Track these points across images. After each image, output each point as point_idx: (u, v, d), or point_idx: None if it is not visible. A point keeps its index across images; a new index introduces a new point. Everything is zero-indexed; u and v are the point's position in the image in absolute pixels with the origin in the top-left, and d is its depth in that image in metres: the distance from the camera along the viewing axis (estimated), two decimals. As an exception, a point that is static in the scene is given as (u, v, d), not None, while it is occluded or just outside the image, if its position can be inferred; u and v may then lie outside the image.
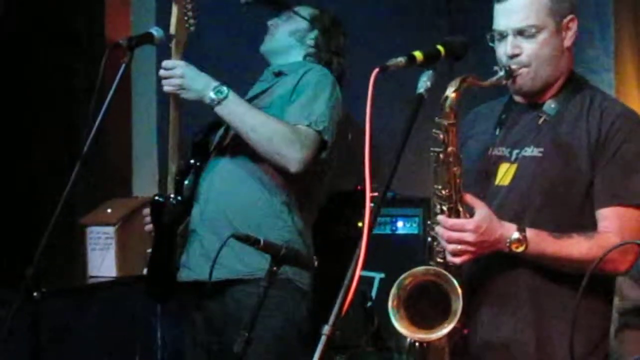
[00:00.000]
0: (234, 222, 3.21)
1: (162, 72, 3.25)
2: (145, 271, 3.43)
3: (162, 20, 4.13)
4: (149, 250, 3.39)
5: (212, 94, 3.20)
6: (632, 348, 4.13)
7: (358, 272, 2.07)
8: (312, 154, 3.28)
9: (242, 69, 3.63)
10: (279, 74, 3.50)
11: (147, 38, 3.25)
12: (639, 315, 3.83)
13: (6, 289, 3.53)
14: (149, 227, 3.42)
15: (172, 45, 3.25)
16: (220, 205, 3.32)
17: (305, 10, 3.59)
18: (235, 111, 3.25)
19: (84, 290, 4.08)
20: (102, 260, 4.03)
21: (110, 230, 4.01)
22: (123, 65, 3.10)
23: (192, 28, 3.31)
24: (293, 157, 3.24)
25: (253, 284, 3.17)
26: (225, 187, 3.35)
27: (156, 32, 3.28)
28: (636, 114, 2.86)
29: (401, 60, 2.41)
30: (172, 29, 3.26)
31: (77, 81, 4.10)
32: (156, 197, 3.37)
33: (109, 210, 4.09)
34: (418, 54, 2.45)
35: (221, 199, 3.33)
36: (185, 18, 3.27)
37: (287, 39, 3.54)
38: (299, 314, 3.29)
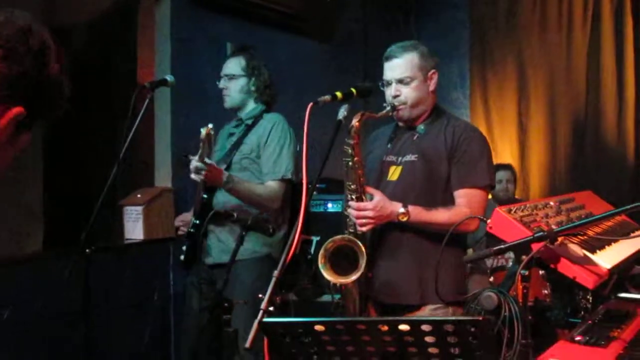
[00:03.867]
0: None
1: (195, 176, 3.15)
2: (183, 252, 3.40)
3: (177, 64, 4.16)
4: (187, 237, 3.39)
5: (224, 181, 3.18)
6: (476, 285, 4.20)
7: (298, 236, 2.08)
8: (283, 198, 3.38)
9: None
10: (246, 125, 3.48)
11: (163, 82, 3.23)
12: (477, 263, 3.89)
13: (67, 247, 3.50)
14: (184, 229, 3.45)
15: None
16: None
17: (238, 65, 3.49)
18: (238, 189, 3.25)
19: (122, 248, 4.03)
20: (134, 228, 4.00)
21: (140, 208, 3.97)
22: (147, 99, 3.09)
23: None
24: (272, 207, 3.37)
25: (247, 261, 3.26)
26: (228, 200, 3.34)
27: (169, 78, 3.24)
28: (476, 128, 2.99)
29: (327, 97, 2.44)
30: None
31: (118, 107, 4.05)
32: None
33: (138, 195, 4.04)
34: (339, 94, 2.48)
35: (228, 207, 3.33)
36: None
37: (240, 96, 3.49)
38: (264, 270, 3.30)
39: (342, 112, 2.47)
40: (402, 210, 2.65)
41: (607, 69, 5.38)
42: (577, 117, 5.54)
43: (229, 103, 3.50)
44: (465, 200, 2.74)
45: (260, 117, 3.47)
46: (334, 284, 2.69)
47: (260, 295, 1.98)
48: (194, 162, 3.09)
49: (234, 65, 3.50)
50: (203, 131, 3.01)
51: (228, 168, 3.36)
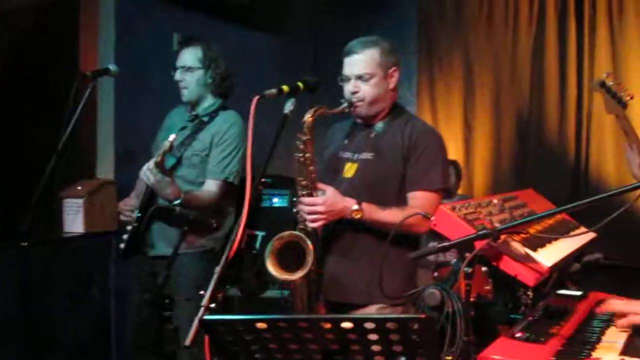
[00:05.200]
0: None
1: (145, 174, 3.07)
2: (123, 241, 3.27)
3: (121, 53, 4.06)
4: (129, 228, 3.25)
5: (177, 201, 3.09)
6: (421, 281, 4.22)
7: (242, 230, 2.04)
8: (221, 199, 3.28)
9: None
10: (201, 120, 3.38)
11: (106, 71, 3.15)
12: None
13: (5, 240, 3.39)
14: (128, 217, 3.30)
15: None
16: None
17: (195, 56, 3.37)
18: (189, 201, 3.12)
19: (61, 242, 3.91)
20: (74, 221, 3.90)
21: (80, 201, 3.87)
22: (89, 89, 3.02)
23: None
24: (210, 207, 3.23)
25: (190, 255, 3.18)
26: None
27: (113, 67, 3.16)
28: (434, 130, 2.95)
29: (273, 91, 2.38)
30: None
31: (59, 96, 3.93)
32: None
33: (79, 187, 3.94)
34: (285, 87, 2.43)
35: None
36: None
37: (197, 89, 3.38)
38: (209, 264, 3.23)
39: (289, 106, 2.41)
40: (355, 207, 2.60)
41: (550, 69, 5.48)
42: (520, 116, 5.63)
43: (187, 96, 3.40)
44: (419, 203, 2.69)
45: (216, 113, 3.39)
46: (283, 280, 2.65)
47: (202, 292, 1.93)
48: (151, 165, 3.01)
49: (190, 57, 3.38)
50: (167, 143, 2.95)
51: (178, 163, 3.29)
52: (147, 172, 3.03)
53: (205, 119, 3.37)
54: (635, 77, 5.07)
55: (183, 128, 3.40)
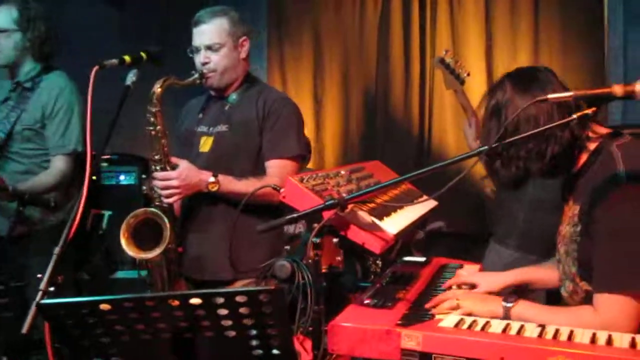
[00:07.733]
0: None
1: None
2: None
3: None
4: None
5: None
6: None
7: (81, 209, 1.93)
8: (72, 170, 3.11)
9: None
10: (24, 88, 3.13)
11: None
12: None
13: None
14: None
15: None
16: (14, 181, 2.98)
17: (9, 16, 3.09)
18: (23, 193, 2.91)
19: None
20: None
21: None
22: None
23: None
24: (63, 186, 3.07)
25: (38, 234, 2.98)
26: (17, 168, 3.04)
27: None
28: (288, 98, 2.97)
29: (114, 61, 2.31)
30: None
31: None
32: None
33: None
34: (127, 57, 2.37)
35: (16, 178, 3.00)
36: None
37: (13, 53, 3.12)
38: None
39: (131, 78, 2.35)
40: (211, 179, 2.59)
41: (395, 46, 5.65)
42: (368, 91, 5.78)
43: (2, 61, 3.13)
44: (277, 171, 2.72)
45: (39, 78, 3.14)
46: (141, 261, 2.57)
47: (39, 275, 1.81)
48: None
49: (4, 18, 3.10)
50: None
51: (9, 139, 3.04)
52: None
53: (28, 84, 3.13)
54: (472, 56, 5.35)
55: (6, 100, 3.14)
